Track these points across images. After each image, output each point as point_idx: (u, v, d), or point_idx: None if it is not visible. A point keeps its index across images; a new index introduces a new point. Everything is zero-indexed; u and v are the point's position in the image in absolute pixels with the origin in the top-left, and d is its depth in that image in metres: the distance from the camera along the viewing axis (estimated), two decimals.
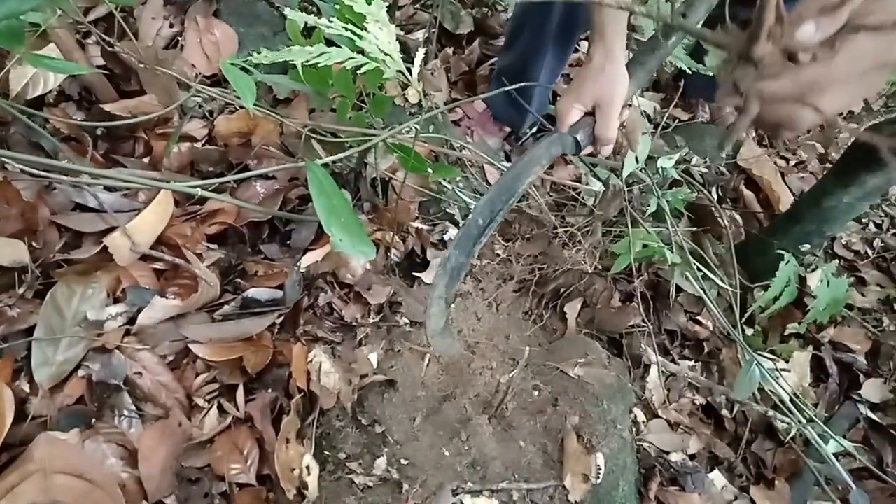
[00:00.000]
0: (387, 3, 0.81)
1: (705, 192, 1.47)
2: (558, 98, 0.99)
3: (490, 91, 1.47)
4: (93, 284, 0.89)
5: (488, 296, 1.13)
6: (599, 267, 1.22)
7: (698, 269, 1.15)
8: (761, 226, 1.56)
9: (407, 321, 1.03)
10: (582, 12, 1.19)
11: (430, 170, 1.06)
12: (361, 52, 0.83)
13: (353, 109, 1.06)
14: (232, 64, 0.86)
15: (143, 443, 0.81)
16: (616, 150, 1.32)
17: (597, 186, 1.34)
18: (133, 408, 0.85)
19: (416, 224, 1.17)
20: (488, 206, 0.75)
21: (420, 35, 1.64)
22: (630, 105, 1.02)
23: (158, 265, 0.96)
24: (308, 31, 0.96)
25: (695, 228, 1.44)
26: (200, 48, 1.23)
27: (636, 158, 1.10)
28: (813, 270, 1.35)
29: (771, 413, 1.15)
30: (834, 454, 1.08)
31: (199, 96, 1.14)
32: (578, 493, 0.91)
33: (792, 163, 1.87)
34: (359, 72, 0.83)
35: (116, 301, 0.91)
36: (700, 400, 1.19)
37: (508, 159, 1.49)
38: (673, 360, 1.22)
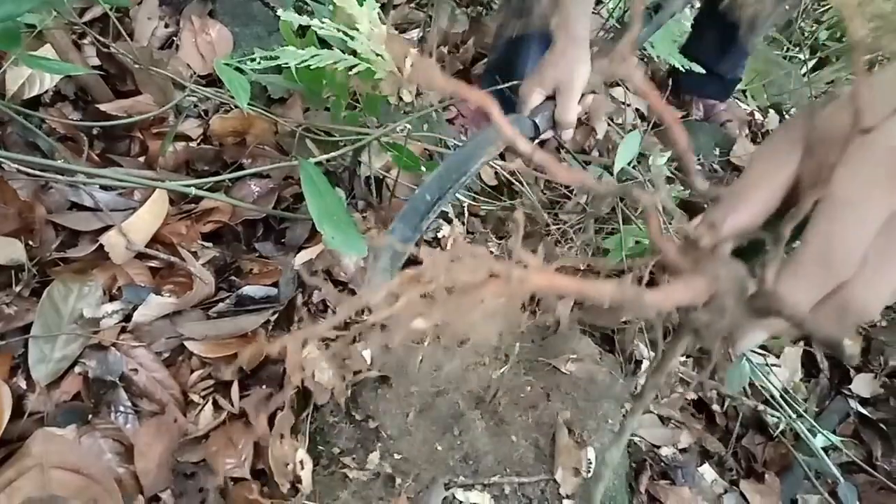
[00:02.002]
0: (381, 3, 0.82)
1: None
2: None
3: (479, 86, 1.48)
4: (89, 282, 0.90)
5: None
6: (591, 264, 1.23)
7: None
8: None
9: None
10: None
11: (423, 168, 1.07)
12: (354, 52, 0.84)
13: (347, 108, 1.07)
14: (226, 64, 0.87)
15: (139, 438, 0.82)
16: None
17: None
18: (129, 404, 0.86)
19: None
20: (437, 183, 0.75)
21: (415, 34, 1.65)
22: (594, 92, 1.03)
23: (154, 263, 0.97)
24: (302, 31, 0.97)
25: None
26: (196, 48, 1.24)
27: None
28: None
29: (761, 408, 1.16)
30: (823, 448, 1.09)
31: (194, 96, 1.15)
32: (569, 486, 0.92)
33: None
34: (351, 72, 0.85)
35: (112, 299, 0.92)
36: (691, 395, 1.21)
37: (503, 158, 1.50)
38: None
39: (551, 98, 0.92)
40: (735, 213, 0.34)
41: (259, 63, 0.86)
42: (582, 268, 1.20)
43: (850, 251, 0.31)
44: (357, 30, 0.81)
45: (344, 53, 0.84)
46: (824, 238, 0.31)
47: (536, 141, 0.92)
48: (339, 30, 0.80)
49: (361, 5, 0.81)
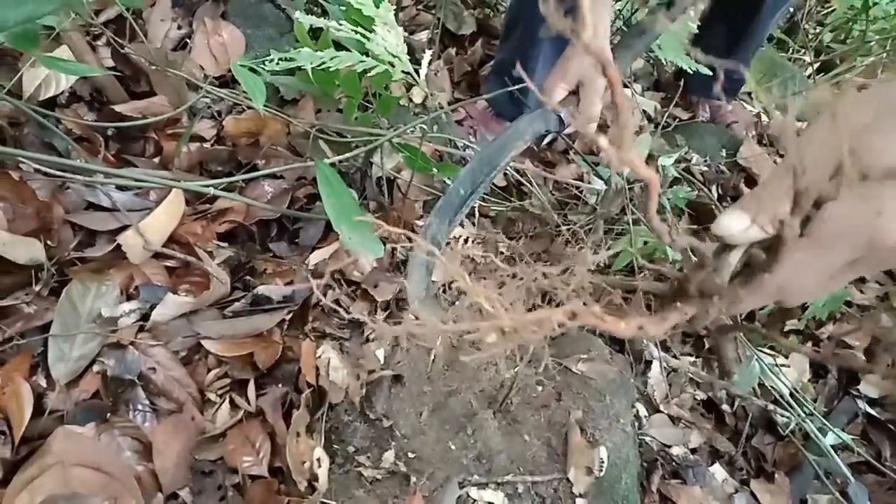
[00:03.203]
0: (393, 7, 0.83)
1: (706, 190, 1.48)
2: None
3: (487, 86, 1.49)
4: (107, 282, 0.91)
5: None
6: (601, 264, 1.23)
7: None
8: None
9: (413, 318, 1.05)
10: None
11: (434, 169, 1.08)
12: (368, 53, 0.85)
13: (359, 110, 1.08)
14: (242, 65, 0.88)
15: (157, 436, 0.83)
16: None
17: (599, 185, 1.35)
18: (147, 402, 0.86)
19: (422, 222, 1.18)
20: (470, 177, 0.75)
21: (423, 36, 1.66)
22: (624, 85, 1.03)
23: (170, 263, 0.98)
24: (315, 33, 0.98)
25: (696, 226, 1.46)
26: (208, 50, 1.25)
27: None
28: None
29: (771, 408, 1.17)
30: (833, 448, 1.10)
31: (207, 97, 1.16)
32: (582, 485, 0.93)
33: None
34: (367, 74, 0.85)
35: (130, 298, 0.92)
36: (701, 395, 1.21)
37: None
38: (674, 356, 1.24)
39: (574, 93, 0.93)
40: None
41: (278, 64, 0.87)
42: (592, 268, 1.21)
43: (806, 289, 0.40)
44: (373, 31, 0.82)
45: (360, 55, 0.84)
46: (790, 276, 0.38)
47: (550, 138, 0.93)
48: (354, 31, 0.81)
49: (378, 7, 0.82)
